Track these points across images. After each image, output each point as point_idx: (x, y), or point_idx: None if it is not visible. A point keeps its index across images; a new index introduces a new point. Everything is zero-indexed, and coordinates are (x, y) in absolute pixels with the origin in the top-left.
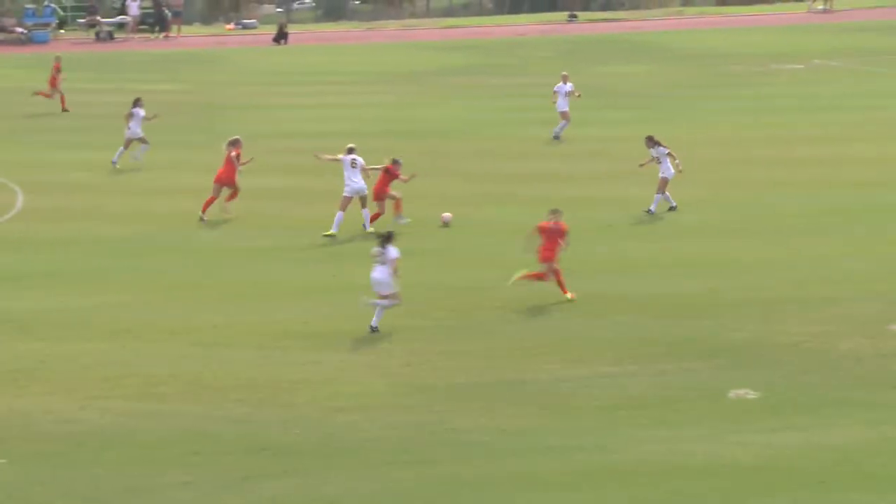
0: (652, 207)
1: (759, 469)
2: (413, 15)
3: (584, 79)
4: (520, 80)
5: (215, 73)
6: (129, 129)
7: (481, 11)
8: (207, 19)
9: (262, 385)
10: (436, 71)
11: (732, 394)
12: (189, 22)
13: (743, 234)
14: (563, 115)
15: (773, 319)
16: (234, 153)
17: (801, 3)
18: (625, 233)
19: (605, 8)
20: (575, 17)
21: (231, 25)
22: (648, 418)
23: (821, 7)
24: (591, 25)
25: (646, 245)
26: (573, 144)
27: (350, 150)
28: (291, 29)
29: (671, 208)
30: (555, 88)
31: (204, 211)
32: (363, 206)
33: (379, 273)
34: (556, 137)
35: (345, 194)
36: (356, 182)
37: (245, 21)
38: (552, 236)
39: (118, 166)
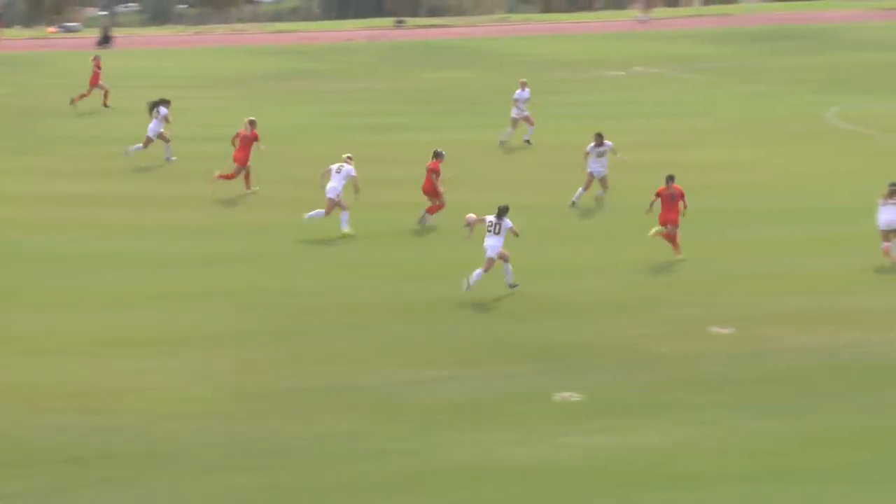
0: (575, 197)
1: (581, 471)
2: (240, 19)
3: (411, 84)
4: (346, 86)
5: (37, 77)
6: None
7: (309, 16)
8: (29, 22)
9: (85, 393)
10: (263, 75)
11: (557, 396)
12: (10, 24)
13: (568, 239)
14: (517, 121)
15: (598, 323)
16: (251, 134)
17: (623, 12)
18: (453, 237)
19: (432, 14)
20: (402, 22)
21: (53, 28)
22: (475, 421)
23: (643, 16)
24: (419, 31)
25: (475, 249)
26: (399, 149)
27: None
28: (116, 32)
29: (573, 203)
30: (514, 96)
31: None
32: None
33: (494, 241)
34: (503, 142)
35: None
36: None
37: (68, 24)
38: (669, 200)
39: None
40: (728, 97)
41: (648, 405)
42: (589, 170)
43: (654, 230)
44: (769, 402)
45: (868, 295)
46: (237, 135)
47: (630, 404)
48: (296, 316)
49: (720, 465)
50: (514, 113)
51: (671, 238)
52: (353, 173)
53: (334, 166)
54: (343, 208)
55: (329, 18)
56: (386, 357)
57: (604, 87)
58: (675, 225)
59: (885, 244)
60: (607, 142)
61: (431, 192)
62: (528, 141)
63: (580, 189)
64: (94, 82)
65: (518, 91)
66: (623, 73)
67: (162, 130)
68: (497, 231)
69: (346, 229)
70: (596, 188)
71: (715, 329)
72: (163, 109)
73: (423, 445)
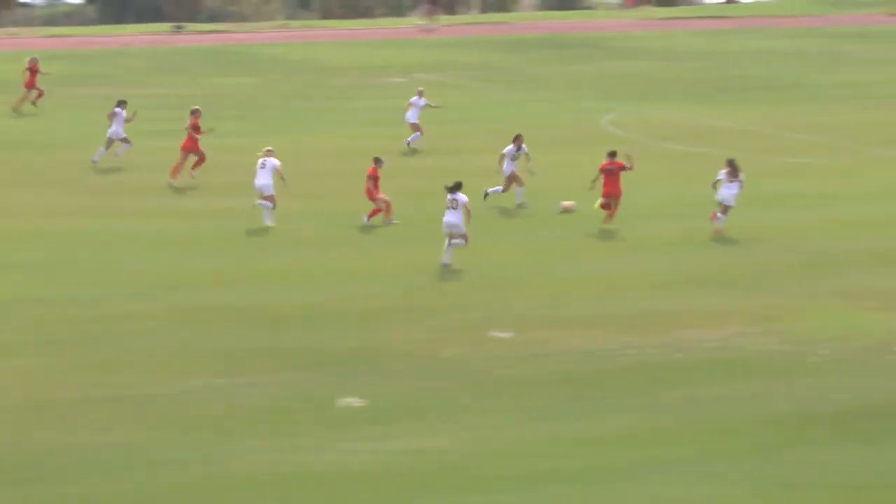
0: (491, 190)
1: (367, 476)
2: (14, 23)
3: (191, 90)
4: (122, 91)
5: None
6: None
7: (85, 21)
8: None
9: None
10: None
11: (340, 402)
12: None
13: (347, 246)
14: (414, 126)
15: (379, 328)
16: (193, 122)
17: (404, 19)
18: (219, 245)
19: (211, 20)
20: (181, 28)
21: None
22: (257, 429)
23: (427, 24)
24: (198, 37)
25: (247, 256)
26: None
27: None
28: None
29: (486, 195)
30: (411, 101)
31: (174, 177)
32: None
33: (453, 217)
34: (409, 144)
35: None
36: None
37: None
38: (610, 175)
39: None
40: (508, 103)
41: (431, 409)
42: (506, 172)
43: (597, 203)
44: (549, 404)
45: (647, 298)
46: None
47: (413, 409)
48: (71, 325)
49: (505, 468)
50: (409, 117)
51: (609, 209)
52: (277, 164)
53: (259, 161)
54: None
55: (106, 23)
56: (164, 366)
57: (386, 93)
58: (617, 197)
59: (718, 214)
60: (524, 146)
61: (370, 196)
62: (408, 143)
63: (499, 188)
64: (30, 84)
65: (415, 97)
66: (405, 79)
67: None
68: (455, 206)
69: (269, 223)
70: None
71: (495, 333)
72: (119, 110)
73: (212, 453)
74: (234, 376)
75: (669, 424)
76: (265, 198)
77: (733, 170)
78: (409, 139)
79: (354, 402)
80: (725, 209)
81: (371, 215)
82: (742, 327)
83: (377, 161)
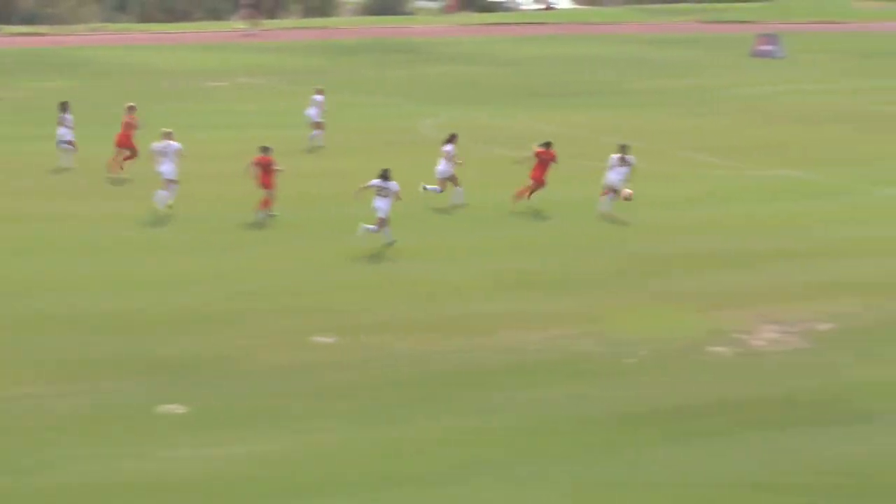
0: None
1: (191, 483)
2: None
3: (6, 93)
4: None
5: None
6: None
7: None
8: None
9: None
10: None
11: (161, 409)
12: None
13: (160, 252)
14: (316, 124)
15: (202, 334)
16: (129, 119)
17: (225, 23)
18: (42, 250)
19: (27, 22)
20: None
21: None
22: (71, 438)
23: (247, 28)
24: (11, 39)
25: (66, 262)
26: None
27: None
28: None
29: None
30: (314, 97)
31: (112, 172)
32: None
33: (383, 203)
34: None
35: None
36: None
37: None
38: (542, 161)
39: None
40: (329, 108)
41: (256, 415)
42: (444, 174)
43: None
44: (377, 408)
45: (472, 301)
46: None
47: (237, 415)
48: None
49: (334, 473)
50: (311, 115)
51: (528, 190)
52: (179, 147)
53: (158, 146)
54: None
55: None
56: None
57: (208, 97)
58: (540, 183)
59: (606, 197)
60: (449, 146)
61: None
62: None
63: (436, 187)
64: None
65: (316, 95)
66: (227, 83)
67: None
68: (386, 195)
69: (163, 207)
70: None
71: (318, 338)
72: (66, 116)
73: (32, 462)
74: (55, 384)
75: (495, 426)
76: (169, 182)
77: (623, 155)
78: (311, 135)
79: (176, 409)
80: (613, 192)
81: (265, 205)
82: (564, 329)
83: (266, 150)
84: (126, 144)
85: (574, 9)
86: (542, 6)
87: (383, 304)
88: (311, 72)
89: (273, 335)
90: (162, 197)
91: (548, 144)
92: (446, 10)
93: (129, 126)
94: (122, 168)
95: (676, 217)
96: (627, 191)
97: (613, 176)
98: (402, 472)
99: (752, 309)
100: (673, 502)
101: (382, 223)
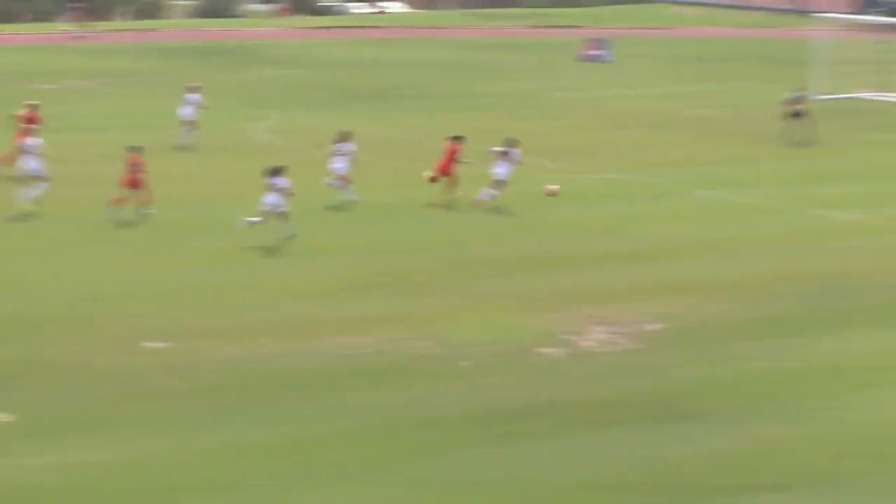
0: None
1: (18, 492)
2: None
3: None
4: None
5: None
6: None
7: None
8: None
9: None
10: None
11: None
12: None
13: (9, 254)
14: (188, 123)
15: (29, 340)
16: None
17: (53, 25)
18: None
19: None
20: None
21: None
22: None
23: (74, 29)
24: None
25: None
26: None
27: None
28: None
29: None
30: (185, 97)
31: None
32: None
33: (272, 198)
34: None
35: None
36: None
37: None
38: (448, 157)
39: None
40: (159, 111)
41: (86, 423)
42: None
43: (426, 173)
44: (207, 413)
45: (304, 305)
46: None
47: (67, 423)
48: None
49: (164, 479)
50: (184, 114)
51: (434, 180)
52: (40, 142)
53: (26, 142)
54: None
55: None
56: None
57: (39, 100)
58: (447, 176)
59: (488, 190)
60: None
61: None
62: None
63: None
64: None
65: (189, 94)
66: (57, 86)
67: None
68: (275, 190)
69: (29, 206)
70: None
71: (150, 344)
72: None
73: None
74: None
75: (328, 431)
76: (35, 179)
77: (506, 150)
78: (181, 133)
79: (3, 418)
80: (498, 185)
81: (118, 201)
82: (400, 332)
83: (137, 149)
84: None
85: (406, 13)
86: (375, 10)
87: (221, 308)
88: (140, 74)
89: (106, 341)
90: (28, 194)
91: (458, 139)
92: (279, 13)
93: (27, 121)
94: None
95: (508, 220)
96: (552, 187)
97: (496, 170)
98: (231, 479)
99: (582, 310)
100: (504, 502)
101: (282, 217)
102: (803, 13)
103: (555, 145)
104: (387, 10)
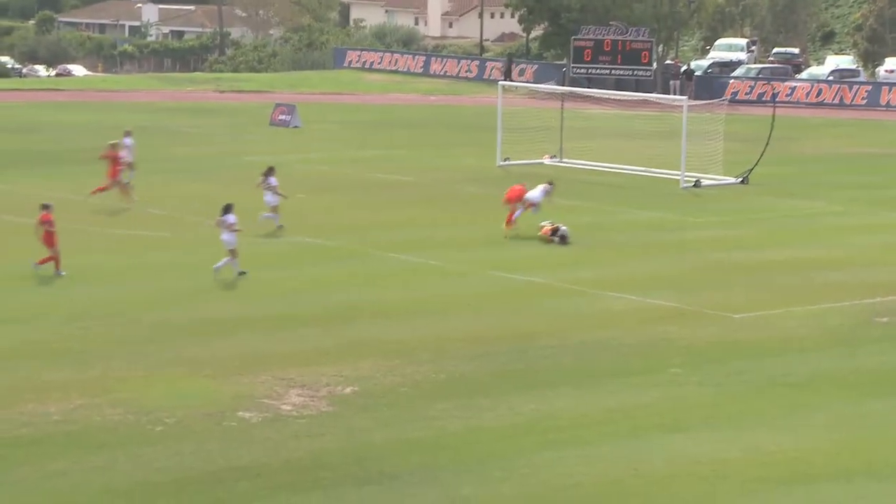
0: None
1: None
2: None
3: None
4: None
5: None
6: None
7: None
8: None
9: None
10: None
11: None
12: None
13: None
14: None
15: None
16: None
17: None
18: None
19: None
20: None
21: None
22: None
23: None
24: None
25: None
26: None
27: None
28: None
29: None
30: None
31: None
32: None
33: (227, 237)
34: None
35: None
36: None
37: None
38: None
39: None
40: None
41: None
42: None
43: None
44: None
45: None
46: None
47: None
48: None
49: None
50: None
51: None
52: None
53: None
54: None
55: None
56: None
57: None
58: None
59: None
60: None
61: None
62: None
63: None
64: None
65: (125, 139)
66: None
67: None
68: (226, 227)
69: None
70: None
71: None
72: None
73: None
74: None
75: (14, 502)
76: None
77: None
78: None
79: None
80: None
81: (44, 261)
82: (86, 399)
83: (47, 207)
84: None
85: (90, 76)
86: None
87: None
88: None
89: None
90: None
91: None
92: None
93: None
94: None
95: (196, 284)
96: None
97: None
98: None
99: (278, 373)
100: None
101: (232, 254)
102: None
103: (245, 209)
104: (70, 74)
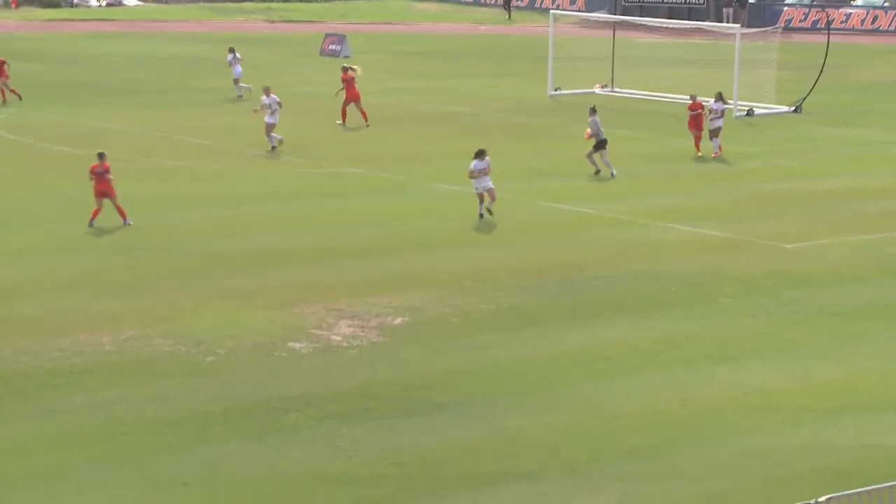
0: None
1: None
2: None
3: None
4: None
5: None
6: None
7: None
8: None
9: None
10: None
11: None
12: None
13: None
14: None
15: None
16: None
17: None
18: None
19: None
20: None
21: None
22: None
23: None
24: None
25: None
26: None
27: None
28: None
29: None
30: None
31: None
32: None
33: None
34: None
35: None
36: None
37: None
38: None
39: None
40: None
41: None
42: None
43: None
44: None
45: (38, 301)
46: None
47: None
48: None
49: None
50: None
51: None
52: None
53: None
54: None
55: None
56: None
57: None
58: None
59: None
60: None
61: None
62: None
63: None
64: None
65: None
66: None
67: None
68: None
69: None
70: None
71: None
72: None
73: None
74: None
75: (68, 430)
76: None
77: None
78: None
79: None
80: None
81: (120, 212)
82: (138, 329)
83: (101, 156)
84: None
85: (141, 6)
86: (106, 3)
87: None
88: None
89: None
90: None
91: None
92: (13, 5)
93: None
94: None
95: (246, 215)
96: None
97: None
98: None
99: (328, 305)
100: (248, 499)
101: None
102: (535, 9)
103: (295, 140)
104: (122, 4)
